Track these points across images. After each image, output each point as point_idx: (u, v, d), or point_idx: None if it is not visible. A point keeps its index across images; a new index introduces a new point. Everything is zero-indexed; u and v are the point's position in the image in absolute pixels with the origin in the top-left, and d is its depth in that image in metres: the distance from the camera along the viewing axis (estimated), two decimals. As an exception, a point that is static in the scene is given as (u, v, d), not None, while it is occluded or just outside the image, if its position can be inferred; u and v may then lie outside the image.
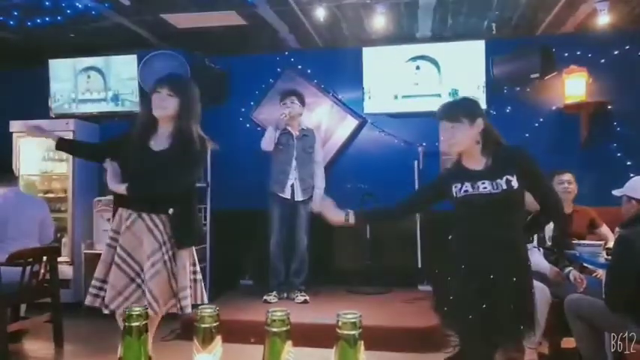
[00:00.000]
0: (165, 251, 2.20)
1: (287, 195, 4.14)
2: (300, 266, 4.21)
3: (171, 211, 2.23)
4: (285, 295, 4.20)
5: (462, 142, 2.12)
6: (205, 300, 2.35)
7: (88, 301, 2.24)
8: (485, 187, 2.04)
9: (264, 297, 4.11)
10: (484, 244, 2.07)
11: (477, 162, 2.13)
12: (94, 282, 2.26)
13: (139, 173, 2.22)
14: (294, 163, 4.16)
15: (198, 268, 2.37)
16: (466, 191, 2.08)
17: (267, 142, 4.14)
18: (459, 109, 2.17)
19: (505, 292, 2.01)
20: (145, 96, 4.71)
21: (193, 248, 2.37)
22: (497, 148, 2.12)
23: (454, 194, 2.12)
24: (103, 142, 2.69)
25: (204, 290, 2.37)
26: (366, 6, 3.97)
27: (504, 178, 2.03)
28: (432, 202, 2.39)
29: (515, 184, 2.02)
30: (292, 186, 4.15)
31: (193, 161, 2.30)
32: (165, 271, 2.18)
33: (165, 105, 2.25)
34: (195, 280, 2.33)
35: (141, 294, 2.17)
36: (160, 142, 2.28)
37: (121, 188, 2.23)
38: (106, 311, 2.17)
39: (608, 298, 2.43)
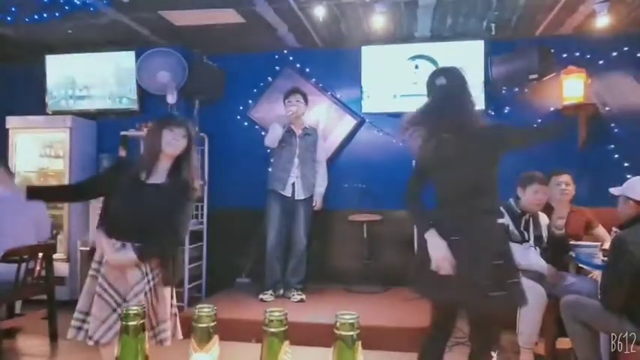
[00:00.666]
0: (147, 282, 2.16)
1: (288, 193, 4.14)
2: (297, 266, 4.21)
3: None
4: (282, 292, 4.20)
5: None
6: (180, 336, 2.29)
7: (71, 334, 2.18)
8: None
9: (260, 296, 4.11)
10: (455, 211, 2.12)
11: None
12: (76, 314, 2.20)
13: (129, 203, 2.21)
14: (296, 161, 4.16)
15: (174, 301, 2.34)
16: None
17: (273, 139, 4.14)
18: None
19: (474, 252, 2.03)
20: (144, 94, 4.73)
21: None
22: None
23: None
24: (84, 181, 2.57)
25: (178, 324, 2.32)
26: (366, 5, 3.97)
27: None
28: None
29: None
30: (293, 184, 4.15)
31: (188, 197, 2.28)
32: (145, 302, 2.14)
33: (179, 145, 2.27)
34: (173, 314, 2.30)
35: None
36: (155, 177, 2.27)
37: None
38: (90, 343, 2.11)
39: (604, 298, 2.45)
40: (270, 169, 4.28)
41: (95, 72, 4.97)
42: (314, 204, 4.26)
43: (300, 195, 4.16)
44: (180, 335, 2.27)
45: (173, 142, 2.25)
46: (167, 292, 2.24)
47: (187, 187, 2.26)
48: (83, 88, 5.01)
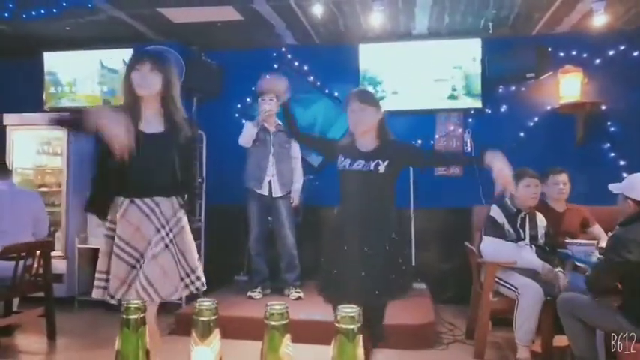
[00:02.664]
0: (165, 234, 2.11)
1: (264, 192, 4.13)
2: (289, 262, 4.20)
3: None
4: (269, 291, 4.24)
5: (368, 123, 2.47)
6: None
7: (96, 293, 2.15)
8: (358, 166, 2.43)
9: (249, 293, 4.14)
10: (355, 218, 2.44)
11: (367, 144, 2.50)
12: (98, 275, 2.17)
13: (132, 157, 2.04)
14: (271, 159, 4.14)
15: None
16: (344, 167, 2.48)
17: (247, 138, 4.13)
18: (370, 95, 2.59)
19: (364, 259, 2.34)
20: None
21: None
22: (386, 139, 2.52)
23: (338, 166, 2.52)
24: (102, 162, 2.21)
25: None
26: (363, 3, 3.97)
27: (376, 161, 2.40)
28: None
29: (382, 168, 2.38)
30: (270, 182, 4.14)
31: (190, 145, 2.24)
32: (166, 255, 2.10)
33: (149, 83, 2.10)
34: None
35: None
36: (151, 125, 2.15)
37: None
38: (112, 301, 2.09)
39: (589, 279, 2.58)
40: (246, 168, 4.26)
41: (93, 69, 4.95)
42: (291, 201, 4.24)
43: (277, 193, 4.15)
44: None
45: (142, 82, 2.10)
46: (190, 238, 2.21)
47: (183, 133, 2.16)
48: (81, 85, 5.00)
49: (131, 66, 2.15)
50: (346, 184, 2.52)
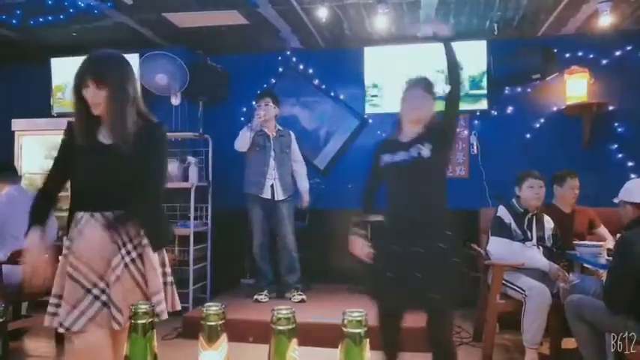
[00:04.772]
0: (125, 253, 1.86)
1: (267, 195, 4.15)
2: (291, 265, 4.21)
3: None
4: (275, 294, 4.24)
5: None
6: (178, 307, 2.01)
7: (47, 321, 1.88)
8: (399, 157, 2.27)
9: (255, 296, 4.15)
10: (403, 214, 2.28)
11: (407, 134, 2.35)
12: (51, 299, 1.90)
13: (90, 169, 1.92)
14: (272, 163, 4.16)
15: (168, 270, 2.01)
16: (384, 162, 2.33)
17: (242, 143, 4.14)
18: (432, 85, 2.46)
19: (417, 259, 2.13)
20: (148, 95, 4.75)
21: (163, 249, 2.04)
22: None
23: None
24: (52, 172, 2.04)
25: (175, 295, 2.01)
26: (368, 6, 3.98)
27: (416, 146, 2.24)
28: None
29: (425, 152, 2.20)
30: (272, 186, 4.15)
31: (151, 151, 1.95)
32: (128, 275, 1.85)
33: (98, 101, 1.90)
34: (165, 284, 1.97)
35: (99, 307, 1.82)
36: (107, 135, 1.94)
37: None
38: (61, 330, 1.83)
39: (608, 299, 2.44)
40: (245, 173, 4.27)
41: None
42: (303, 202, 4.28)
43: (280, 196, 4.16)
44: (178, 306, 2.00)
45: (92, 101, 1.90)
46: (155, 259, 1.92)
47: (146, 137, 1.93)
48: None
49: (79, 83, 1.94)
50: (389, 181, 2.36)
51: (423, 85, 2.39)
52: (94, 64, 2.04)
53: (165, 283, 1.97)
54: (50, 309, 1.90)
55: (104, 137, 1.94)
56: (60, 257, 1.97)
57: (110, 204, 1.89)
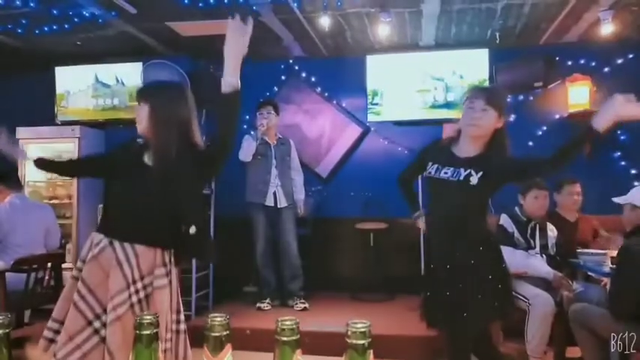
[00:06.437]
0: (133, 292, 1.74)
1: (270, 203, 4.17)
2: (294, 272, 4.21)
3: (192, 229, 1.79)
4: (278, 302, 4.25)
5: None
6: (190, 358, 1.86)
7: (42, 346, 1.81)
8: (445, 174, 2.10)
9: (258, 304, 4.16)
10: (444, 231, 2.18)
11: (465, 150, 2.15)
12: (50, 323, 1.81)
13: (125, 187, 1.86)
14: (274, 171, 4.19)
15: (182, 317, 1.87)
16: (429, 173, 2.16)
17: (247, 153, 4.15)
18: (499, 96, 2.18)
19: (470, 276, 2.07)
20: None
21: (178, 290, 1.91)
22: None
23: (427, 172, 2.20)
24: (85, 157, 2.12)
25: (188, 346, 1.86)
26: (371, 14, 4.00)
27: (468, 171, 2.06)
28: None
29: (474, 180, 2.04)
30: (275, 194, 4.18)
31: (190, 176, 1.87)
32: (130, 317, 1.69)
33: (140, 118, 1.87)
34: (177, 332, 1.84)
35: (97, 342, 1.73)
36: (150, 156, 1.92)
37: None
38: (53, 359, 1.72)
39: (613, 308, 2.43)
40: (247, 182, 4.28)
41: (103, 82, 5.02)
42: (299, 210, 4.32)
43: (282, 203, 4.19)
44: (190, 358, 1.86)
45: (137, 118, 1.89)
46: (166, 300, 1.79)
47: (192, 151, 1.88)
48: (91, 99, 5.07)
49: (137, 99, 1.93)
50: (431, 194, 2.22)
51: (484, 95, 2.11)
52: (145, 85, 2.10)
53: (177, 332, 1.84)
54: (47, 333, 1.82)
55: (148, 159, 1.89)
56: (69, 277, 1.89)
57: (132, 235, 1.80)
